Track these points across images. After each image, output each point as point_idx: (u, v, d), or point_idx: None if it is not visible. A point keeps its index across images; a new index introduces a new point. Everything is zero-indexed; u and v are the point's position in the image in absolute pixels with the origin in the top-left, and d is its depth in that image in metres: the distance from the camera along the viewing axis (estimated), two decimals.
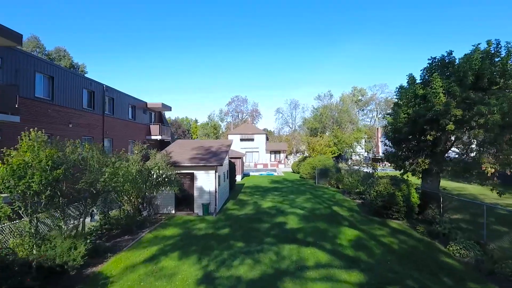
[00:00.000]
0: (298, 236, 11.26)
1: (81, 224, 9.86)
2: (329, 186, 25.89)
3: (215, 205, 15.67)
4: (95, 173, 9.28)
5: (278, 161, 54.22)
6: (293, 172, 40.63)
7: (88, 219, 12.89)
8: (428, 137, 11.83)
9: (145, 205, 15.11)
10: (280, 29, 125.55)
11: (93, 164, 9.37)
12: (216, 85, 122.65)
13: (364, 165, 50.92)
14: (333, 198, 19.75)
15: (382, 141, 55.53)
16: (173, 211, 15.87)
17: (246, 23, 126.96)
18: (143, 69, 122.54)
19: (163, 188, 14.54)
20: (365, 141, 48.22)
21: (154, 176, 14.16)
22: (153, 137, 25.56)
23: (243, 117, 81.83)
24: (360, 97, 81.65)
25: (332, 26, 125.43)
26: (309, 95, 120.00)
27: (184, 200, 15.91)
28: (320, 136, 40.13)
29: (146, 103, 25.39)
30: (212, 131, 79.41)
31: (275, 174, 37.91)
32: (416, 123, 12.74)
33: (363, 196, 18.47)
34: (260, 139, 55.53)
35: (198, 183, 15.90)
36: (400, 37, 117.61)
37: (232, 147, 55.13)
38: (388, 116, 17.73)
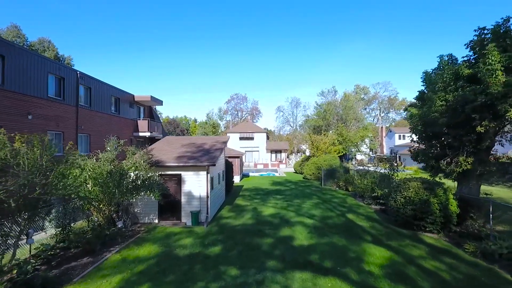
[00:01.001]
0: (311, 258, 8.59)
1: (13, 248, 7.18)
2: (337, 188, 23.24)
3: (207, 213, 13.02)
4: (25, 175, 6.61)
5: (279, 161, 51.58)
6: (296, 172, 38.00)
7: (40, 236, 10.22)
8: (479, 128, 9.15)
9: (120, 214, 12.45)
10: (280, 28, 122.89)
11: (24, 164, 6.70)
12: (216, 84, 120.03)
13: (369, 165, 48.32)
14: (344, 203, 17.10)
15: (393, 138, 52.33)
16: (156, 221, 13.22)
17: (246, 21, 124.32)
18: (142, 68, 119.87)
19: (141, 194, 11.89)
20: (370, 140, 45.55)
21: (130, 179, 11.51)
22: (141, 134, 22.90)
23: (243, 115, 79.20)
24: (362, 96, 79.09)
25: (333, 25, 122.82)
26: (310, 94, 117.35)
27: (170, 207, 13.26)
28: (324, 134, 37.46)
29: (133, 96, 22.73)
30: (211, 130, 76.69)
31: (276, 174, 35.25)
32: (458, 112, 10.08)
33: (381, 202, 15.82)
34: (260, 138, 52.90)
35: (186, 186, 13.24)
36: (402, 35, 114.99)
37: (231, 146, 52.61)
38: (412, 107, 15.09)
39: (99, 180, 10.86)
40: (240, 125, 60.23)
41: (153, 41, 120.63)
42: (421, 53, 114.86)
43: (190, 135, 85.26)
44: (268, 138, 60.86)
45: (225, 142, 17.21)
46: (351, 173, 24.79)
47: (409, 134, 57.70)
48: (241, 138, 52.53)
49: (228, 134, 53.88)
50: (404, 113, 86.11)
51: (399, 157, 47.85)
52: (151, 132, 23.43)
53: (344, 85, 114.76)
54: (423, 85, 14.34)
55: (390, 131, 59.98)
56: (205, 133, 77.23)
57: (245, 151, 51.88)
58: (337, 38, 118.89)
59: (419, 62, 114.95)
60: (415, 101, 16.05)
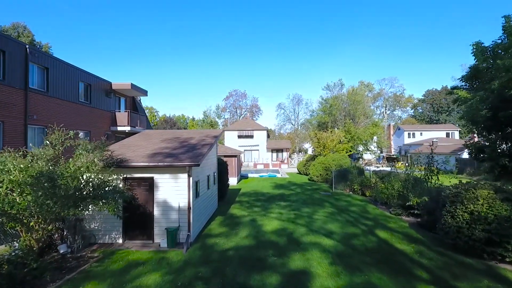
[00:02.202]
0: None
1: None
2: (351, 193, 19.79)
3: (188, 231, 9.56)
4: None
5: (281, 161, 48.13)
6: (299, 173, 34.55)
7: None
8: None
9: (66, 233, 8.97)
10: (280, 24, 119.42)
11: None
12: (215, 82, 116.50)
13: (378, 165, 44.82)
14: (366, 213, 13.64)
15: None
16: (120, 240, 9.76)
17: (246, 16, 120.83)
18: (138, 64, 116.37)
19: (91, 206, 8.43)
20: (378, 138, 42.09)
21: (74, 185, 8.04)
22: (120, 128, 19.43)
23: (242, 113, 75.73)
24: (367, 93, 75.64)
25: (335, 23, 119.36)
26: (312, 92, 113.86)
27: (139, 222, 9.81)
28: (331, 131, 34.01)
29: (110, 84, 19.25)
30: (209, 128, 73.22)
31: (278, 175, 31.79)
32: None
33: (415, 212, 12.36)
34: (261, 136, 49.46)
35: (160, 194, 9.79)
36: (404, 33, 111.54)
37: (229, 145, 49.10)
38: (461, 89, 11.65)
39: (27, 187, 7.44)
40: (238, 122, 56.80)
41: (149, 36, 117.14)
42: (422, 53, 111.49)
43: None
44: (268, 136, 57.41)
45: (216, 137, 13.74)
46: (366, 174, 21.33)
47: (420, 132, 54.41)
48: (239, 136, 49.12)
49: (226, 132, 50.50)
50: (411, 111, 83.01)
51: (410, 156, 44.41)
52: (132, 127, 19.96)
53: (347, 82, 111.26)
54: (476, 60, 10.94)
55: (399, 129, 56.51)
56: None
57: (244, 150, 48.46)
58: (339, 36, 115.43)
59: (420, 62, 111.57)
60: (461, 85, 12.62)
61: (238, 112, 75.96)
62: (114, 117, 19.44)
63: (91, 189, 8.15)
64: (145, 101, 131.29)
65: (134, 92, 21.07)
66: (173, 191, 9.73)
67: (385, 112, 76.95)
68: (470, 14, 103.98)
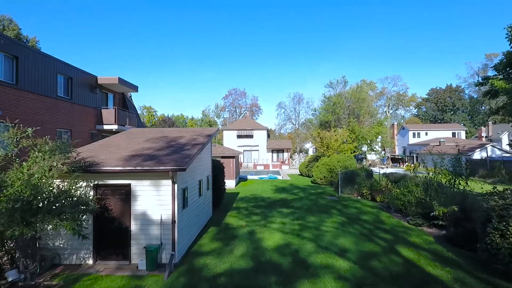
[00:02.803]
0: None
1: None
2: (359, 198, 18.10)
3: (173, 250, 7.85)
4: None
5: (282, 161, 46.45)
6: (301, 174, 32.83)
7: None
8: None
9: (17, 255, 7.27)
10: (281, 25, 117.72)
11: None
12: (215, 82, 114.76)
13: (382, 166, 43.08)
14: (381, 224, 11.94)
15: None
16: (91, 261, 8.06)
17: (245, 17, 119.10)
18: (134, 63, 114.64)
19: (48, 223, 6.73)
20: (382, 138, 40.40)
21: (26, 196, 6.34)
22: (106, 127, 17.72)
23: (242, 112, 74.01)
24: (369, 92, 73.92)
25: (336, 21, 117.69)
26: (313, 93, 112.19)
27: (113, 238, 8.11)
28: (334, 131, 32.30)
29: (95, 78, 17.53)
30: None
31: (279, 177, 30.08)
32: None
33: (440, 223, 10.66)
34: (261, 136, 47.78)
35: (138, 204, 8.09)
36: (407, 30, 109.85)
37: (227, 145, 47.36)
38: (496, 78, 9.96)
39: None
40: (238, 121, 55.11)
41: (147, 35, 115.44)
42: (424, 51, 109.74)
43: None
44: (269, 136, 55.72)
45: (210, 135, 12.03)
46: (376, 177, 19.63)
47: (425, 132, 52.71)
48: (239, 136, 47.44)
49: (224, 132, 48.84)
50: (415, 110, 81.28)
51: (416, 157, 42.70)
52: (121, 125, 18.25)
53: (349, 81, 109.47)
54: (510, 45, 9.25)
55: (403, 129, 54.79)
56: None
57: (243, 150, 46.83)
58: (339, 34, 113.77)
59: (423, 60, 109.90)
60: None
61: (237, 111, 74.27)
62: (100, 115, 17.74)
63: (45, 201, 6.45)
64: (143, 101, 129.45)
65: (123, 87, 19.36)
66: (154, 201, 8.03)
67: (388, 112, 75.26)
68: (472, 12, 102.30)
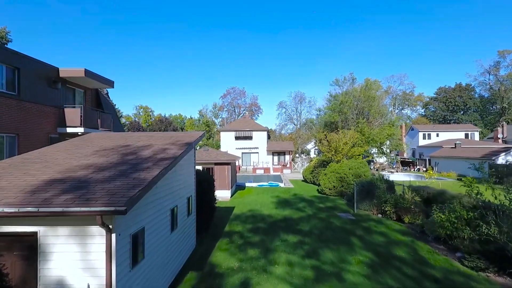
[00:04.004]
0: None
1: None
2: (380, 216, 14.85)
3: None
4: None
5: (283, 165, 43.17)
6: (305, 180, 29.57)
7: None
8: None
9: None
10: (281, 23, 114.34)
11: None
12: (214, 82, 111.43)
13: (392, 170, 39.78)
14: (427, 265, 8.65)
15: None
16: None
17: (244, 10, 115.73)
18: (138, 67, 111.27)
19: None
20: (393, 139, 37.09)
21: None
22: (70, 130, 14.42)
23: (241, 112, 70.70)
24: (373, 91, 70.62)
25: (339, 18, 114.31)
26: (314, 92, 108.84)
27: None
28: (342, 132, 29.02)
29: (57, 70, 14.24)
30: (205, 128, 68.13)
31: (281, 185, 26.78)
32: None
33: None
34: (260, 137, 44.50)
35: (51, 266, 4.78)
36: (410, 28, 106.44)
37: (225, 147, 44.02)
38: None
39: None
40: (236, 122, 51.80)
41: (146, 34, 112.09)
42: (430, 50, 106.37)
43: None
44: (269, 137, 52.46)
45: (189, 144, 8.72)
46: (399, 190, 16.33)
47: (436, 133, 49.40)
48: (237, 138, 44.16)
49: (222, 133, 45.60)
50: (423, 110, 77.90)
51: (429, 160, 39.41)
52: (90, 128, 14.93)
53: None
54: None
55: (412, 129, 51.45)
56: None
57: (242, 153, 43.60)
58: (341, 33, 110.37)
59: (430, 59, 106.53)
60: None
61: (236, 111, 70.97)
62: (63, 115, 14.45)
63: None
64: (140, 100, 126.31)
65: (95, 82, 16.03)
66: (76, 261, 4.75)
67: (393, 111, 71.91)
68: (479, 10, 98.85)
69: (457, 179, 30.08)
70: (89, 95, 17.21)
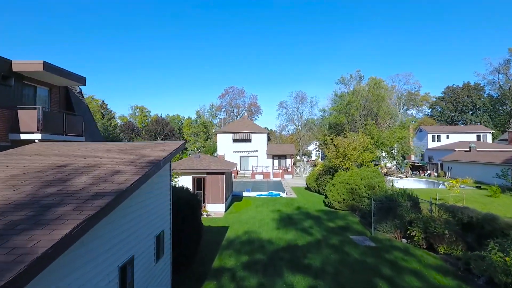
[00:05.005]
0: None
1: None
2: (405, 242, 12.19)
3: None
4: None
5: (284, 169, 40.48)
6: (308, 189, 26.89)
7: None
8: None
9: None
10: (281, 21, 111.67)
11: None
12: (214, 81, 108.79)
13: (400, 175, 37.08)
14: None
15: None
16: None
17: (244, 8, 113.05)
18: (136, 66, 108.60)
19: None
20: (404, 142, 34.41)
21: None
22: (24, 136, 11.69)
23: (240, 112, 68.02)
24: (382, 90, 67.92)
25: (338, 16, 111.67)
26: (315, 92, 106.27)
27: None
28: (349, 135, 26.34)
29: (8, 63, 11.58)
30: (202, 129, 65.37)
31: (283, 195, 24.08)
32: None
33: None
34: (260, 140, 41.82)
35: None
36: (414, 26, 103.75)
37: (222, 150, 41.19)
38: None
39: None
40: (234, 123, 49.10)
41: (144, 33, 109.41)
42: (436, 48, 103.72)
43: (182, 135, 74.13)
44: (269, 139, 49.77)
45: (155, 163, 6.03)
46: (424, 210, 13.65)
47: (446, 135, 46.73)
48: (235, 140, 41.48)
49: (218, 135, 42.95)
50: (429, 110, 75.18)
51: (441, 164, 36.72)
52: (52, 134, 12.23)
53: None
54: None
55: (420, 131, 48.75)
56: (194, 134, 66.16)
57: (240, 157, 40.98)
58: (342, 31, 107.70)
59: (436, 58, 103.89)
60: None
61: (235, 111, 68.30)
62: (16, 118, 11.77)
63: None
64: (136, 100, 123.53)
65: (59, 78, 13.31)
66: None
67: (399, 112, 69.19)
68: (488, 5, 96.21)
69: (476, 186, 27.42)
70: (56, 94, 14.50)
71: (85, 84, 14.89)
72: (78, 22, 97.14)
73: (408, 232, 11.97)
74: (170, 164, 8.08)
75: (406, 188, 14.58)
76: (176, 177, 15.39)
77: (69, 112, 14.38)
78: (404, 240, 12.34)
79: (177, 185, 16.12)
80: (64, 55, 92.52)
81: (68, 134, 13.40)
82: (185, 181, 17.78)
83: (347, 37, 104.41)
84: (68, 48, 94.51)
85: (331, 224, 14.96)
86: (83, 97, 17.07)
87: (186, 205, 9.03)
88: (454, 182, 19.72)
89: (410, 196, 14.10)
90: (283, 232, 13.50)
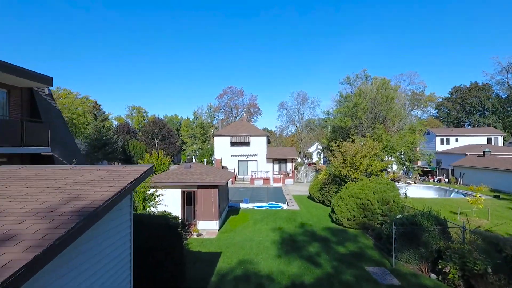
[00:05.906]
0: None
1: None
2: (434, 277, 9.98)
3: None
4: None
5: (285, 174, 38.30)
6: (311, 198, 24.72)
7: None
8: None
9: None
10: (281, 20, 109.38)
11: None
12: (213, 81, 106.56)
13: (409, 181, 34.85)
14: None
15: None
16: None
17: (243, 8, 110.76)
18: (135, 66, 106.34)
19: None
20: (415, 146, 32.20)
21: None
22: None
23: (239, 113, 65.83)
24: (381, 91, 65.66)
25: (340, 15, 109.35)
26: (317, 92, 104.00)
27: None
28: (353, 141, 24.12)
29: None
30: (199, 131, 63.22)
31: (284, 206, 21.86)
32: None
33: None
34: (259, 143, 39.65)
35: None
36: (415, 26, 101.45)
37: (219, 154, 38.99)
38: None
39: None
40: (232, 125, 46.87)
41: (143, 32, 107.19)
42: (441, 47, 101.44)
43: (180, 137, 72.02)
44: (269, 142, 47.59)
45: (86, 215, 3.83)
46: (453, 233, 11.45)
47: (455, 138, 44.48)
48: (233, 144, 39.32)
49: (216, 138, 40.75)
50: (435, 111, 72.96)
51: (452, 170, 34.51)
52: (4, 145, 10.03)
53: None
54: None
55: (428, 133, 46.55)
56: (192, 135, 63.97)
57: (239, 161, 38.84)
58: (344, 30, 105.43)
59: (441, 57, 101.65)
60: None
61: (234, 112, 66.11)
62: None
63: None
64: (134, 101, 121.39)
65: (18, 79, 11.10)
66: None
67: (408, 114, 66.84)
68: (493, 5, 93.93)
69: (494, 196, 25.21)
70: (17, 97, 12.26)
71: (51, 85, 12.63)
72: (77, 22, 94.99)
73: (440, 267, 9.76)
74: (131, 197, 5.86)
75: (431, 210, 12.28)
76: (158, 196, 13.15)
77: (31, 119, 12.12)
78: (433, 276, 10.12)
79: (161, 202, 13.97)
80: (63, 55, 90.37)
81: (29, 145, 11.17)
82: (173, 196, 15.63)
83: (349, 36, 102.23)
84: (67, 48, 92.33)
85: (342, 250, 12.74)
86: (54, 100, 14.78)
87: (158, 249, 6.80)
88: (477, 196, 17.49)
89: (437, 219, 11.86)
90: (285, 262, 11.28)
